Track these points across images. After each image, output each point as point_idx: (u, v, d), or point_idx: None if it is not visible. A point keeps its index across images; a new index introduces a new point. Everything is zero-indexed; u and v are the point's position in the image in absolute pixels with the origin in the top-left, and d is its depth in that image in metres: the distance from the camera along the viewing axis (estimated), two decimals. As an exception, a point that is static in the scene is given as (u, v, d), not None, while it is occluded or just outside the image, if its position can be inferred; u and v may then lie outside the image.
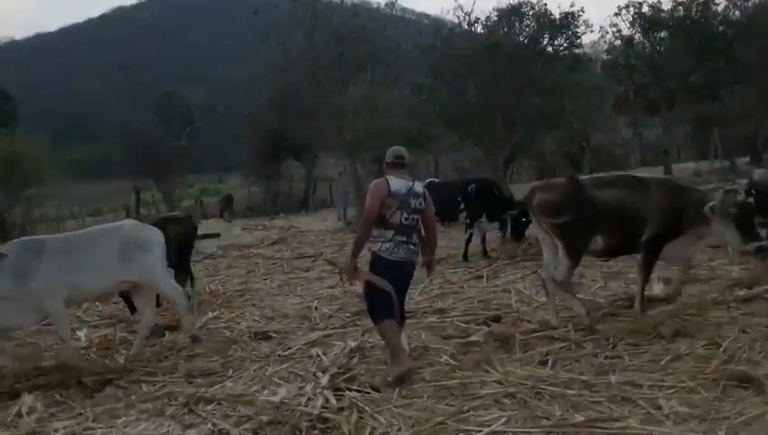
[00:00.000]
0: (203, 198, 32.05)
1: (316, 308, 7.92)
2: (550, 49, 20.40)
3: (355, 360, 5.53)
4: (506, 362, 5.05)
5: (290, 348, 6.18)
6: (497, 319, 6.36)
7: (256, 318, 7.80)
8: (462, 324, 6.31)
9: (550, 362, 4.96)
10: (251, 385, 5.18)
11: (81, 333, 7.62)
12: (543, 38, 20.28)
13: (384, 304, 4.88)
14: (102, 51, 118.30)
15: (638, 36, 24.80)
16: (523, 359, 5.10)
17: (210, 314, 8.06)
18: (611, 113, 26.96)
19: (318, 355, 5.74)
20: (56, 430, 4.45)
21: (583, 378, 4.51)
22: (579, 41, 20.69)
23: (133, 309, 8.26)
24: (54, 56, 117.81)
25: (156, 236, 6.70)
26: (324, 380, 4.90)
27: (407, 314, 5.46)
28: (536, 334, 5.67)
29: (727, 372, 4.27)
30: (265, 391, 4.97)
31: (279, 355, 6.01)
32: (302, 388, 4.88)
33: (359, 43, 18.65)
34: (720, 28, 23.58)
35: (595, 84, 22.63)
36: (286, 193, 29.78)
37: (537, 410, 4.11)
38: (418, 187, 5.04)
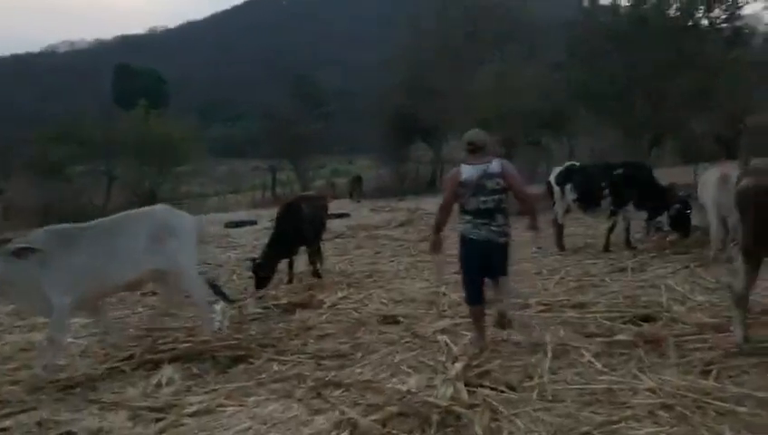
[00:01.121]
0: (334, 178, 32.85)
1: (444, 294, 7.64)
2: (705, 22, 18.50)
3: (487, 353, 5.20)
4: (660, 369, 4.49)
5: (417, 335, 5.97)
6: (647, 318, 5.73)
7: (384, 301, 7.67)
8: (606, 322, 5.76)
9: (714, 371, 4.34)
10: (379, 371, 5.03)
11: (218, 307, 7.89)
12: (698, 9, 18.41)
13: (470, 288, 5.31)
14: (246, 37, 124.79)
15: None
16: (681, 366, 4.51)
17: (339, 294, 8.04)
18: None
19: (447, 344, 5.47)
20: (191, 404, 4.54)
21: (758, 394, 3.88)
22: (739, 12, 18.58)
23: (259, 284, 8.49)
24: (203, 43, 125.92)
25: (188, 224, 6.15)
26: (454, 371, 4.63)
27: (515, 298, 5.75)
28: (693, 338, 5.04)
29: None
30: (394, 379, 4.81)
31: (408, 341, 5.82)
32: (431, 379, 4.65)
33: (491, 20, 17.95)
34: None
35: (757, 60, 20.26)
36: (414, 175, 29.72)
37: (701, 427, 3.59)
38: (495, 167, 5.03)
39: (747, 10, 19.51)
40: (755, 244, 4.68)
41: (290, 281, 9.08)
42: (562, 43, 19.29)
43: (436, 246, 5.41)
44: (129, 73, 72.68)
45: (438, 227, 5.32)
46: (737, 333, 4.78)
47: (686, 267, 7.86)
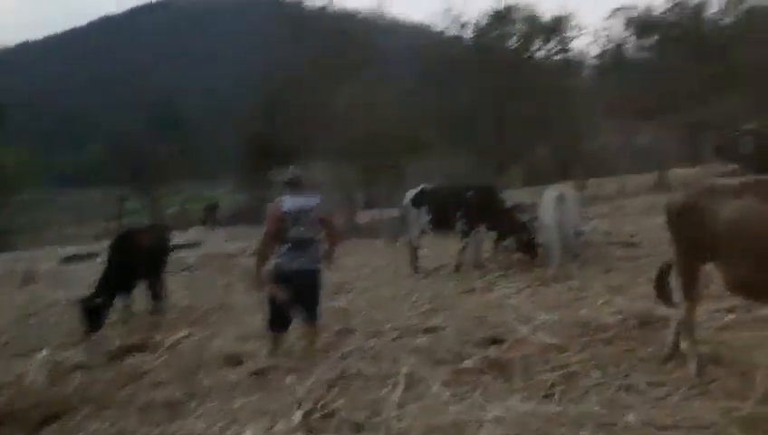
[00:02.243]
0: (188, 205, 31.25)
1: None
2: (541, 53, 19.91)
3: (335, 391, 4.89)
4: (506, 395, 4.42)
5: (262, 375, 5.53)
6: (494, 340, 5.72)
7: (228, 337, 7.12)
8: (455, 347, 5.67)
9: (556, 394, 4.33)
10: (214, 421, 4.54)
11: (39, 356, 6.93)
12: (534, 42, 19.78)
13: (277, 316, 5.59)
14: (95, 57, 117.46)
15: (630, 40, 24.35)
16: (525, 391, 4.47)
17: (180, 334, 7.38)
18: (603, 119, 26.42)
19: (291, 385, 5.09)
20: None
21: (598, 415, 3.89)
22: (570, 45, 20.24)
23: (91, 326, 7.62)
24: (46, 64, 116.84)
25: None
26: (296, 418, 4.26)
27: (318, 319, 5.84)
28: (536, 359, 5.06)
29: None
30: (229, 431, 4.34)
31: (251, 384, 5.36)
32: (270, 429, 4.24)
33: (347, 48, 18.06)
34: (712, 33, 23.17)
35: (586, 89, 22.16)
36: (273, 200, 29.03)
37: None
38: (311, 201, 5.58)
39: (576, 44, 21.24)
40: (686, 259, 4.42)
41: (125, 321, 8.24)
42: (412, 69, 19.84)
43: (262, 283, 5.64)
44: (-44, 97, 65.24)
45: (263, 261, 5.60)
46: (690, 367, 4.38)
47: (529, 286, 8.08)
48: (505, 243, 10.10)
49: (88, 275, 14.40)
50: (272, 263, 5.61)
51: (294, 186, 5.63)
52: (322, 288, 5.83)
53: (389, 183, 23.00)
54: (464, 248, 10.04)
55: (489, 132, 18.99)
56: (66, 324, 8.84)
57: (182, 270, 14.35)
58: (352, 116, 18.25)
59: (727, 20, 24.02)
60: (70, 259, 17.73)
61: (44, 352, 6.98)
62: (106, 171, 36.68)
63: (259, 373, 5.60)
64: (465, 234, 10.00)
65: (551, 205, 8.40)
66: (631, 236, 11.29)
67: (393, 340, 6.25)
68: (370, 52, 19.57)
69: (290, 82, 21.63)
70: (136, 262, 8.40)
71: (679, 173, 24.00)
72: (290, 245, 5.46)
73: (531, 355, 5.14)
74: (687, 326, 4.53)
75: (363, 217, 19.99)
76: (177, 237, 22.25)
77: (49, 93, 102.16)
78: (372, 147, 17.60)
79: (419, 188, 10.79)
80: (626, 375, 4.52)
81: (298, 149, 24.43)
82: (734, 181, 4.23)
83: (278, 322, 5.65)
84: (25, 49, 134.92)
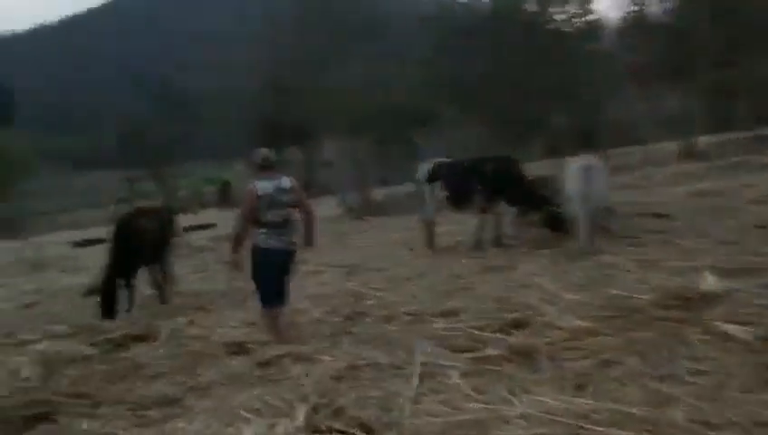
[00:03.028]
0: (204, 186, 30.93)
1: (305, 311, 6.85)
2: (560, 16, 19.07)
3: (344, 383, 4.46)
4: (533, 387, 3.95)
5: (268, 365, 5.13)
6: (518, 324, 5.24)
7: (235, 324, 6.74)
8: (475, 331, 5.21)
9: (590, 387, 3.85)
10: (212, 421, 4.12)
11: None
12: (553, 5, 18.93)
13: (268, 293, 5.62)
14: (103, 41, 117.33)
15: (653, 1, 23.33)
16: (554, 382, 3.99)
17: (181, 320, 7.00)
18: (626, 85, 25.48)
19: (297, 377, 4.67)
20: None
21: (639, 413, 3.41)
22: (590, 7, 19.34)
23: (105, 313, 7.32)
24: (56, 49, 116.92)
25: None
26: (302, 415, 3.84)
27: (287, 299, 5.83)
28: (566, 345, 4.58)
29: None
30: (228, 429, 3.93)
31: (256, 375, 4.96)
32: (272, 427, 3.82)
33: (351, 14, 17.39)
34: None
35: (607, 54, 21.28)
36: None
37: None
38: (285, 182, 5.58)
39: (597, 6, 20.29)
40: None
41: (128, 309, 7.88)
42: (424, 39, 19.11)
43: (240, 264, 5.72)
44: (-34, 83, 65.56)
45: (239, 242, 5.64)
46: None
47: (555, 264, 7.58)
48: (529, 217, 9.52)
49: (99, 260, 14.29)
50: (249, 245, 5.59)
51: (266, 168, 5.61)
52: (293, 271, 5.81)
53: (403, 158, 22.44)
54: (482, 225, 9.51)
55: (506, 102, 18.28)
56: (70, 313, 8.54)
57: (199, 253, 14.10)
58: (361, 90, 17.65)
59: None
60: (80, 244, 17.49)
61: (40, 346, 6.68)
62: (118, 154, 36.56)
63: (264, 364, 5.19)
64: (484, 209, 9.46)
65: (577, 176, 7.83)
66: (660, 208, 10.71)
67: (407, 324, 5.80)
68: (380, 22, 18.87)
69: (298, 56, 21.08)
70: (138, 246, 8.01)
71: (706, 141, 23.17)
72: (266, 227, 5.48)
73: (559, 340, 4.66)
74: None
75: (377, 193, 19.48)
76: (191, 219, 22.08)
77: (62, 77, 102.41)
78: (383, 121, 17.01)
79: (432, 163, 10.23)
80: (668, 363, 4.02)
81: (308, 126, 24.01)
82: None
83: (270, 296, 5.65)
84: (40, 33, 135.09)
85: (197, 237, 15.95)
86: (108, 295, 7.54)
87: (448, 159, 10.57)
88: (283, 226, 5.53)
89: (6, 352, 6.66)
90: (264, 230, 5.47)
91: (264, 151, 5.69)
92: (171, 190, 28.98)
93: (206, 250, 14.00)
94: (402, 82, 19.24)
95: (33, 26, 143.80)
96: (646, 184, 15.57)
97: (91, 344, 6.53)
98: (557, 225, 8.95)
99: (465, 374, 4.27)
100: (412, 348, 5.06)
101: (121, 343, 6.44)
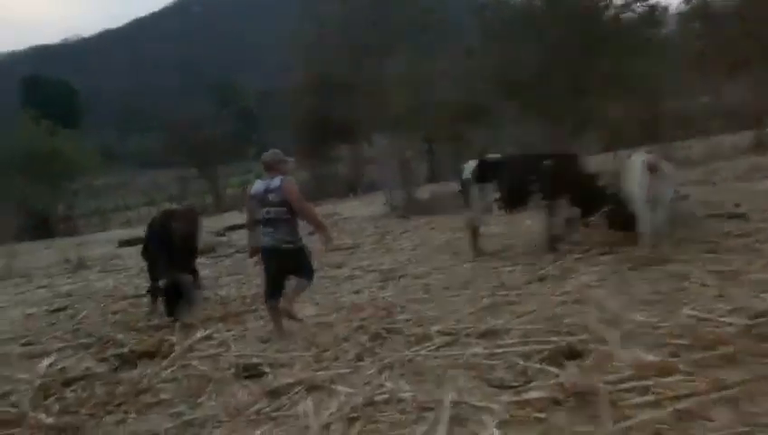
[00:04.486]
0: (248, 184, 30.82)
1: (330, 325, 6.16)
2: (620, 1, 17.74)
3: (358, 426, 3.72)
4: (589, 444, 3.12)
5: (278, 394, 4.45)
6: (571, 353, 4.38)
7: (252, 340, 6.10)
8: (519, 361, 4.38)
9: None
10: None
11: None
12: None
13: (266, 288, 6.06)
14: (163, 44, 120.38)
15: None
16: (617, 438, 3.14)
17: (199, 334, 6.40)
18: (689, 73, 23.73)
19: (306, 414, 3.97)
20: None
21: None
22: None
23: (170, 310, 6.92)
24: (119, 52, 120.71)
25: None
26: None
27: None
28: (632, 385, 3.70)
29: None
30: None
31: (261, 408, 4.28)
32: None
33: (397, 6, 16.60)
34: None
35: (670, 41, 19.76)
36: (334, 177, 28.12)
37: None
38: (276, 182, 5.74)
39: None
40: None
41: (148, 317, 7.38)
42: (473, 28, 18.12)
43: (252, 254, 6.33)
44: (38, 85, 68.37)
45: (249, 236, 6.24)
46: None
47: (616, 272, 6.62)
48: (593, 218, 8.49)
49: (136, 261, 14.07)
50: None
51: (267, 169, 5.86)
52: (299, 265, 5.91)
53: (453, 154, 21.56)
54: (551, 227, 8.49)
55: (562, 94, 17.10)
56: (95, 319, 8.13)
57: (236, 252, 13.64)
58: (409, 84, 16.85)
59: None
60: (126, 243, 17.37)
61: (49, 359, 6.23)
62: (174, 154, 36.95)
63: (273, 393, 4.51)
64: (546, 210, 8.46)
65: (639, 172, 6.83)
66: (736, 206, 9.52)
67: (441, 347, 5.01)
68: (428, 15, 18.00)
69: (346, 52, 20.48)
70: (170, 248, 7.56)
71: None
72: (262, 225, 5.83)
73: (622, 379, 3.78)
74: None
75: (423, 191, 18.65)
76: (236, 217, 21.82)
77: (125, 79, 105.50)
78: (431, 116, 16.16)
79: (480, 161, 9.28)
80: (770, 418, 3.11)
81: (356, 123, 23.38)
82: None
83: (266, 291, 6.03)
84: (106, 37, 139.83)
85: (239, 237, 15.52)
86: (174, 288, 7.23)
87: (497, 157, 9.62)
88: (271, 224, 5.75)
89: (14, 366, 6.22)
90: (260, 228, 5.85)
91: (266, 153, 5.95)
92: (220, 189, 28.88)
93: (246, 250, 13.46)
94: (451, 76, 18.32)
95: (99, 31, 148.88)
96: (714, 180, 14.17)
97: (101, 360, 6.05)
98: (625, 224, 7.94)
99: (503, 424, 3.46)
100: (443, 379, 4.30)
101: (130, 360, 5.90)
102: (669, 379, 3.66)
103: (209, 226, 17.81)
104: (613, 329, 4.74)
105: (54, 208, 25.28)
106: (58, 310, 9.20)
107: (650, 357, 3.98)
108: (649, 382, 3.65)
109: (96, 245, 17.77)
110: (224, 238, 15.78)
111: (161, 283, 7.25)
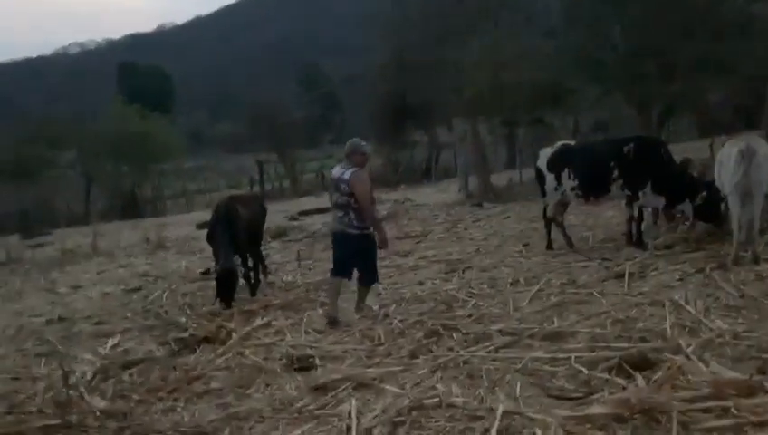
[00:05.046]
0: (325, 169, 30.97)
1: (387, 318, 5.96)
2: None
3: (400, 433, 3.51)
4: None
5: (323, 390, 4.31)
6: (642, 363, 3.96)
7: (313, 330, 6.00)
8: (582, 369, 4.02)
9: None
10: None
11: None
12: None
13: (334, 265, 6.31)
14: (252, 29, 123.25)
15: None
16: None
17: (258, 321, 6.37)
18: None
19: (350, 414, 3.79)
20: None
21: None
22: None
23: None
24: (211, 38, 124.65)
25: None
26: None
27: (368, 279, 6.31)
28: (708, 405, 3.28)
29: None
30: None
31: (305, 404, 4.15)
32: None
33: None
34: None
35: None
36: (408, 162, 27.81)
37: None
38: (347, 174, 5.98)
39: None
40: None
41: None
42: (555, 7, 17.25)
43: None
44: (133, 72, 71.64)
45: None
46: None
47: (700, 271, 6.05)
48: (678, 211, 7.82)
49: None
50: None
51: (346, 156, 6.16)
52: (364, 253, 6.08)
53: (534, 139, 20.79)
54: (634, 217, 7.89)
55: (651, 76, 16.02)
56: (166, 300, 8.31)
57: (305, 237, 13.66)
58: (490, 66, 16.30)
59: None
60: (204, 225, 17.83)
61: (114, 340, 6.38)
62: (255, 138, 37.77)
63: (320, 389, 4.37)
64: (631, 198, 7.87)
65: (734, 161, 6.15)
66: None
67: (501, 348, 4.71)
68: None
69: (425, 34, 20.11)
70: (235, 234, 7.58)
71: None
72: (334, 208, 6.19)
73: (699, 397, 3.37)
74: None
75: (500, 178, 18.07)
76: (312, 202, 22.03)
77: (217, 64, 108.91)
78: (509, 100, 15.58)
79: (557, 147, 8.72)
80: None
81: (435, 106, 22.96)
82: None
83: (335, 268, 6.24)
84: (198, 24, 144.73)
85: (312, 222, 15.60)
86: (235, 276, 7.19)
87: (574, 143, 9.04)
88: (341, 208, 6.02)
89: (82, 345, 6.42)
90: (334, 211, 6.21)
91: (349, 142, 6.21)
92: (297, 173, 29.25)
93: (318, 235, 13.47)
94: (534, 57, 17.58)
95: (191, 18, 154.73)
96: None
97: (162, 343, 6.13)
98: (710, 216, 7.28)
99: (559, 439, 3.14)
100: (499, 384, 4.01)
101: (189, 344, 5.94)
102: (753, 400, 3.22)
103: (284, 210, 18.05)
104: (691, 337, 4.29)
105: (142, 190, 26.42)
106: (133, 290, 9.48)
107: (731, 373, 3.53)
108: (729, 403, 3.22)
109: (177, 226, 18.32)
110: (296, 223, 15.84)
111: (213, 269, 7.23)
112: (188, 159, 38.37)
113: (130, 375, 5.23)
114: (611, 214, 10.32)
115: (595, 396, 3.63)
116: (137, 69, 72.29)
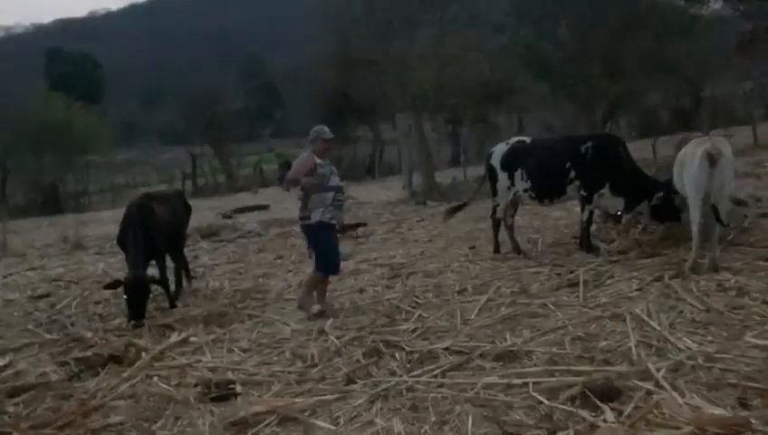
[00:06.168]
0: (263, 164, 29.92)
1: (322, 333, 5.33)
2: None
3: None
4: None
5: (244, 424, 3.65)
6: (608, 392, 3.46)
7: (234, 348, 5.29)
8: (543, 400, 3.50)
9: None
10: None
11: None
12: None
13: None
14: (192, 19, 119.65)
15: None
16: None
17: (173, 338, 5.61)
18: (734, 57, 22.21)
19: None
20: None
21: None
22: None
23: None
24: (146, 26, 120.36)
25: None
26: None
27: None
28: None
29: None
30: None
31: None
32: None
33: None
34: None
35: (715, 19, 18.34)
36: (351, 158, 27.14)
37: None
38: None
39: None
40: None
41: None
42: (503, 3, 16.93)
43: None
44: (61, 59, 68.13)
45: None
46: None
47: (658, 280, 5.66)
48: (636, 212, 7.45)
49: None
50: None
51: (310, 143, 6.04)
52: (314, 242, 5.93)
53: (478, 137, 20.54)
54: (588, 221, 7.50)
55: (595, 75, 15.93)
56: (74, 310, 7.42)
57: (239, 237, 12.83)
58: (424, 60, 15.83)
59: None
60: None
61: (4, 360, 5.50)
62: (190, 130, 36.38)
63: (240, 424, 3.71)
64: (586, 200, 7.45)
65: (698, 163, 5.76)
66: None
67: (448, 371, 4.15)
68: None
69: (366, 28, 19.49)
70: (152, 236, 6.76)
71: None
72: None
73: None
74: None
75: (445, 176, 17.68)
76: (247, 199, 21.12)
77: (151, 53, 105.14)
78: (454, 96, 15.15)
79: (511, 143, 8.17)
80: None
81: (377, 101, 22.38)
82: None
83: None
84: (132, 11, 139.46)
85: (246, 220, 14.78)
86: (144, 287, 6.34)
87: (528, 139, 8.45)
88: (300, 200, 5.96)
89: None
90: None
91: (312, 129, 6.07)
92: (233, 168, 28.10)
93: (252, 236, 12.68)
94: (479, 54, 17.24)
95: (125, 5, 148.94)
96: (763, 173, 12.98)
97: (61, 363, 5.30)
98: (666, 216, 6.94)
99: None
100: (447, 418, 3.45)
101: (92, 365, 5.14)
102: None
103: (217, 206, 17.15)
104: (659, 359, 3.84)
105: (65, 184, 24.76)
106: (40, 297, 8.50)
107: (713, 409, 3.07)
108: (714, 445, 2.75)
109: (100, 224, 17.13)
110: (230, 221, 14.97)
111: (123, 278, 6.41)
112: (120, 152, 36.56)
113: (15, 405, 4.42)
114: (558, 214, 10.02)
115: (559, 435, 3.11)
116: (65, 56, 68.82)
